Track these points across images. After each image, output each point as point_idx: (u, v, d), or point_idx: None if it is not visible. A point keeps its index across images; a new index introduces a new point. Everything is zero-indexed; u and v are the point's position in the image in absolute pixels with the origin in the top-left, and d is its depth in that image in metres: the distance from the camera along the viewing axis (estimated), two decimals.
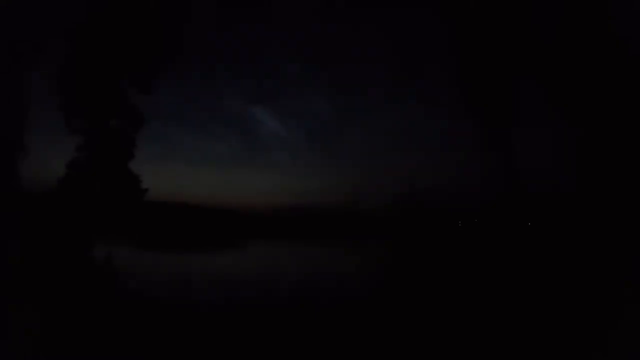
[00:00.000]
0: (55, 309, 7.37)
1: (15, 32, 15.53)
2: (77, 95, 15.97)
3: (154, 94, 17.21)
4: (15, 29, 15.50)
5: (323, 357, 5.61)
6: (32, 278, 10.52)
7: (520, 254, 16.53)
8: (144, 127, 17.19)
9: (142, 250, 25.71)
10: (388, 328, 6.62)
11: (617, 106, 12.59)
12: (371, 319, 7.33)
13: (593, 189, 13.45)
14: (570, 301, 8.20)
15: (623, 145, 12.31)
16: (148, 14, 16.41)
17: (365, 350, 5.78)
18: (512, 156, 15.90)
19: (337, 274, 17.10)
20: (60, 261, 13.11)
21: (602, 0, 13.36)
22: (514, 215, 16.08)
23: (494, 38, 15.59)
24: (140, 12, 16.22)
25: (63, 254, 13.58)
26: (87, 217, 15.49)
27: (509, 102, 16.04)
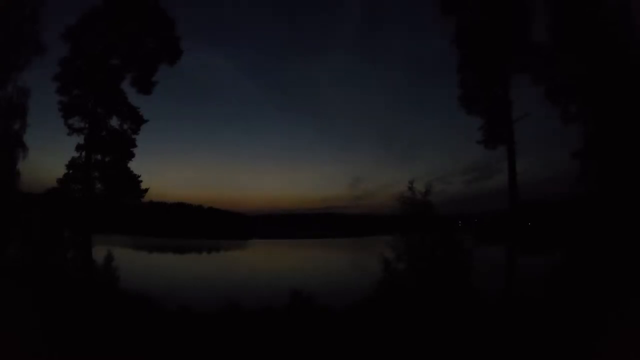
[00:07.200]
0: (54, 309, 7.36)
1: (15, 32, 15.53)
2: (77, 95, 15.96)
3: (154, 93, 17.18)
4: (15, 29, 15.50)
5: (326, 358, 5.61)
6: (32, 278, 10.52)
7: (519, 254, 16.51)
8: (143, 127, 17.15)
9: (142, 250, 25.72)
10: (390, 329, 6.60)
11: (620, 107, 12.53)
12: (373, 319, 7.31)
13: (595, 190, 13.42)
14: (571, 302, 8.19)
15: (626, 145, 12.23)
16: (148, 14, 16.40)
17: (367, 351, 5.78)
18: (513, 155, 15.86)
19: (336, 273, 17.12)
20: (60, 261, 13.11)
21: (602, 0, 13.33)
22: (514, 216, 16.05)
23: (495, 37, 15.55)
24: (139, 12, 16.21)
25: (63, 253, 13.58)
26: (87, 217, 15.48)
27: (510, 101, 16.02)
